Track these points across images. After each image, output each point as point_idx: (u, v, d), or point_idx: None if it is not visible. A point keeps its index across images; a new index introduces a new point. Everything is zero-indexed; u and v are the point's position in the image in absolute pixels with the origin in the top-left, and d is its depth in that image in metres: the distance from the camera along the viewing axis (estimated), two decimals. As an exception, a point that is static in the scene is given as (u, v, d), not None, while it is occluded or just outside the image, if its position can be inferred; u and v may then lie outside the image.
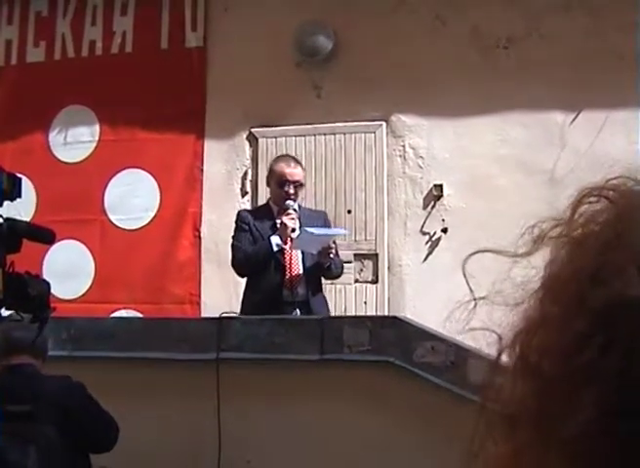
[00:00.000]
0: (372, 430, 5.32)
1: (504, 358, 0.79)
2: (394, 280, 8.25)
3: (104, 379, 5.27)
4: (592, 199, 0.79)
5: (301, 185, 6.47)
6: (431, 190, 8.20)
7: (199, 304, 8.66)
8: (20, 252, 3.36)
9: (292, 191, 6.31)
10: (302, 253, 6.31)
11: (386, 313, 7.92)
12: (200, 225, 8.77)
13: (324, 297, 6.56)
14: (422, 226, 8.22)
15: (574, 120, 7.90)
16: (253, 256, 6.25)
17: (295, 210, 6.29)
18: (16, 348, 4.63)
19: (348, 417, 5.39)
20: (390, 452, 5.29)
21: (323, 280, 6.56)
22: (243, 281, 6.65)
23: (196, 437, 5.55)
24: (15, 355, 4.64)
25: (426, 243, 8.20)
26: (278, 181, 6.35)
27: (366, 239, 8.28)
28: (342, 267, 6.59)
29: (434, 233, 8.17)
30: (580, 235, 0.77)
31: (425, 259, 8.17)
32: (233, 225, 6.52)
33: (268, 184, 6.61)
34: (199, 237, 8.76)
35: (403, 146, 8.34)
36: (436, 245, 8.16)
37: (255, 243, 6.30)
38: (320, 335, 5.52)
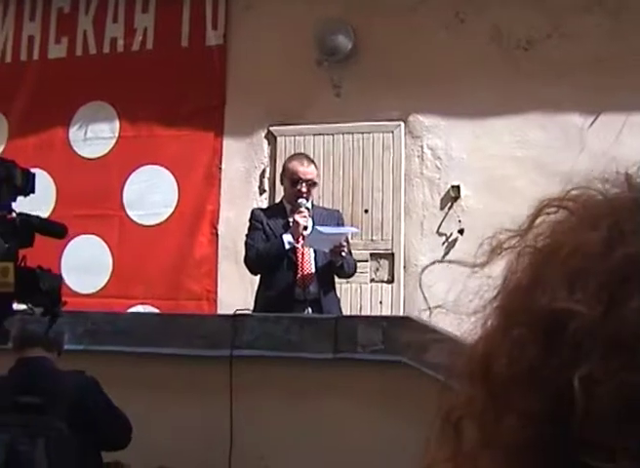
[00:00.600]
0: (384, 429, 5.33)
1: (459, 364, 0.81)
2: (410, 280, 8.25)
3: (119, 374, 5.32)
4: (551, 209, 0.81)
5: (314, 184, 6.48)
6: (449, 191, 8.20)
7: (215, 301, 8.69)
8: (32, 246, 3.40)
9: (304, 189, 6.31)
10: (315, 251, 6.32)
11: (401, 313, 7.92)
12: (218, 222, 8.79)
13: (336, 296, 6.56)
14: (439, 227, 8.22)
15: (593, 122, 7.89)
16: (264, 254, 6.27)
17: (307, 208, 6.29)
18: (29, 341, 4.67)
19: (361, 416, 5.40)
20: (402, 452, 5.28)
21: (337, 279, 6.57)
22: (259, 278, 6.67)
23: (209, 433, 5.58)
24: (28, 348, 4.68)
25: (443, 243, 8.20)
26: (291, 180, 6.36)
27: (382, 239, 8.29)
28: (356, 266, 6.59)
29: (451, 234, 8.17)
30: (544, 245, 0.79)
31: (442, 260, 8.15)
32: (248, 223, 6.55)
33: (282, 182, 6.62)
34: (216, 234, 8.79)
35: (421, 146, 8.35)
36: (452, 246, 8.15)
37: (268, 241, 6.32)
38: (334, 334, 5.54)
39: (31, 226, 3.38)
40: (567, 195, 0.80)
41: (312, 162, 6.59)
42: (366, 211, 8.32)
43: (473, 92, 8.05)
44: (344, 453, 5.36)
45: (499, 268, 0.82)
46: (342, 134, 8.46)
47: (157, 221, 8.92)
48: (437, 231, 8.23)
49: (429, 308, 0.87)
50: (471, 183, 8.14)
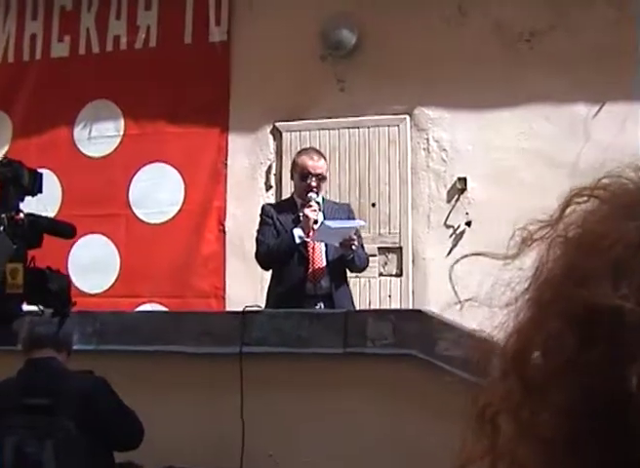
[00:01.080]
0: (395, 423, 5.32)
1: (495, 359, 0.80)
2: (418, 273, 8.24)
3: (129, 373, 5.31)
4: (582, 199, 0.79)
5: (324, 178, 6.48)
6: (455, 183, 8.19)
7: (224, 298, 8.68)
8: (41, 247, 3.39)
9: (314, 184, 6.31)
10: (326, 245, 6.31)
11: (410, 306, 7.91)
12: (225, 219, 8.78)
13: (348, 290, 6.55)
14: (446, 219, 8.21)
15: (597, 113, 7.87)
16: (275, 249, 6.26)
17: (317, 202, 6.29)
18: (38, 342, 4.66)
19: (372, 411, 5.39)
20: (413, 445, 5.29)
21: (348, 273, 6.56)
22: (268, 274, 6.67)
23: (219, 430, 5.57)
24: (36, 349, 4.67)
25: (450, 236, 8.19)
26: (301, 174, 6.36)
27: (390, 232, 8.28)
28: (368, 260, 6.59)
29: (458, 226, 8.16)
30: (576, 235, 0.78)
31: (449, 253, 8.15)
32: (258, 219, 6.54)
33: (292, 177, 6.62)
34: (224, 231, 8.78)
35: (427, 139, 8.33)
36: (460, 238, 8.14)
37: (278, 236, 6.31)
38: (344, 329, 5.53)
39: (40, 227, 3.37)
40: (597, 184, 0.78)
41: (322, 156, 6.59)
42: (373, 204, 8.32)
43: (477, 84, 8.04)
44: (356, 448, 5.36)
45: (529, 260, 0.81)
46: (348, 128, 8.45)
47: (164, 219, 8.91)
48: (444, 224, 8.21)
49: (460, 302, 0.85)
50: (477, 175, 8.13)
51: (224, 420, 5.54)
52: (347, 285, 6.54)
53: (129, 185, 9.02)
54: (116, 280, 8.95)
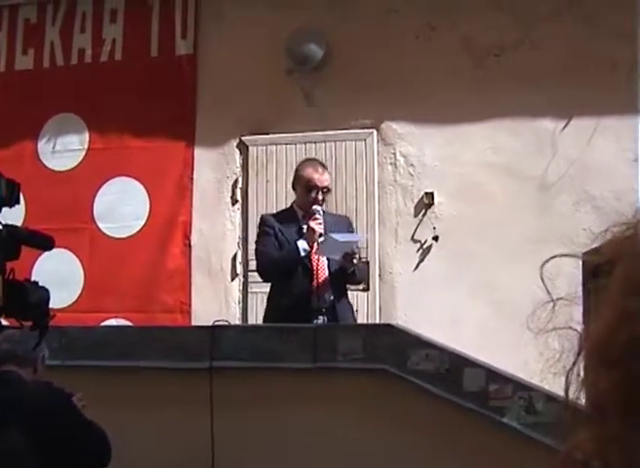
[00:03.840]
0: (366, 438, 5.31)
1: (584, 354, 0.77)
2: (385, 288, 8.22)
3: (97, 388, 5.24)
4: None
5: (329, 191, 6.48)
6: (422, 198, 8.18)
7: (189, 313, 8.61)
8: (18, 258, 3.33)
9: (320, 197, 6.30)
10: (328, 258, 6.28)
11: (378, 321, 7.89)
12: (190, 234, 8.72)
13: (349, 303, 6.54)
14: (414, 234, 8.20)
15: (565, 127, 7.90)
16: (280, 261, 6.23)
17: (320, 215, 6.28)
18: (1, 359, 4.55)
19: (342, 425, 5.37)
20: (384, 460, 5.27)
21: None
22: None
23: (189, 445, 5.52)
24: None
25: (417, 251, 8.18)
26: (306, 187, 6.34)
27: (357, 247, 8.25)
28: (368, 273, 6.58)
29: (425, 241, 8.15)
30: None
31: (417, 267, 8.15)
32: (256, 230, 6.52)
33: (294, 188, 6.57)
34: (189, 245, 8.71)
35: (394, 154, 8.33)
36: (427, 252, 8.14)
37: (281, 248, 6.27)
38: (314, 343, 5.51)
39: (18, 238, 3.31)
40: None
41: (326, 168, 6.58)
42: (340, 219, 8.29)
43: (445, 99, 8.05)
44: (327, 462, 5.33)
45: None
46: (315, 142, 8.42)
47: (129, 234, 8.83)
48: (412, 238, 8.20)
49: (553, 300, 0.82)
50: (445, 190, 8.13)
51: (194, 435, 5.50)
52: (347, 298, 6.51)
53: (93, 199, 8.94)
54: (80, 295, 8.85)
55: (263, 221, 6.49)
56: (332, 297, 6.26)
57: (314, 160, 6.94)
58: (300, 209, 6.38)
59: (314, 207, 6.25)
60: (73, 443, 4.43)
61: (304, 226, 6.25)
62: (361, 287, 7.66)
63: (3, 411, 4.24)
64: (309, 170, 6.42)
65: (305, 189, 6.34)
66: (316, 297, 6.22)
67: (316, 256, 6.25)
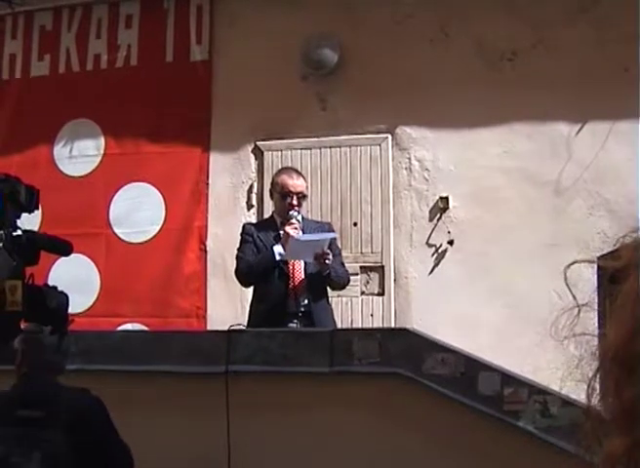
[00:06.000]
0: (382, 441, 5.31)
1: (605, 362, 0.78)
2: (400, 292, 8.24)
3: (113, 393, 5.24)
4: None
5: (305, 196, 6.53)
6: (437, 202, 8.20)
7: (205, 318, 8.63)
8: (38, 264, 3.36)
9: (295, 202, 6.36)
10: (305, 262, 6.32)
11: (393, 325, 7.91)
12: (206, 239, 8.75)
13: (329, 306, 6.55)
14: (429, 238, 8.22)
15: (579, 131, 7.91)
16: (255, 266, 6.30)
17: (298, 220, 6.32)
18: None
19: (358, 429, 5.38)
20: (400, 463, 5.28)
21: (330, 291, 6.54)
22: (249, 294, 6.66)
23: (206, 450, 5.53)
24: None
25: (432, 255, 8.19)
26: (281, 193, 6.41)
27: (372, 251, 8.28)
28: (348, 277, 6.58)
29: (440, 245, 8.17)
30: None
31: (432, 272, 8.16)
32: (239, 238, 6.55)
33: (271, 197, 6.66)
34: (205, 250, 8.74)
35: (409, 159, 8.34)
36: (442, 257, 8.15)
37: (258, 253, 6.33)
38: (330, 348, 5.51)
39: (38, 243, 3.34)
40: None
41: (301, 175, 6.66)
42: (355, 224, 8.31)
43: (459, 103, 8.06)
44: (344, 466, 5.33)
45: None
46: (330, 147, 8.45)
47: (144, 239, 8.87)
48: (427, 243, 8.22)
49: (578, 306, 0.84)
50: (459, 194, 8.14)
51: (211, 439, 5.50)
52: (328, 301, 6.54)
53: (109, 205, 8.97)
54: (96, 300, 8.89)
55: (243, 229, 6.57)
56: (308, 301, 6.28)
57: (289, 168, 7.05)
58: (279, 216, 6.46)
59: (290, 212, 6.30)
60: (105, 451, 4.52)
61: (282, 232, 6.30)
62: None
63: (45, 415, 4.32)
64: (284, 176, 6.51)
65: (281, 195, 6.41)
66: (293, 301, 6.26)
67: (292, 261, 6.29)
